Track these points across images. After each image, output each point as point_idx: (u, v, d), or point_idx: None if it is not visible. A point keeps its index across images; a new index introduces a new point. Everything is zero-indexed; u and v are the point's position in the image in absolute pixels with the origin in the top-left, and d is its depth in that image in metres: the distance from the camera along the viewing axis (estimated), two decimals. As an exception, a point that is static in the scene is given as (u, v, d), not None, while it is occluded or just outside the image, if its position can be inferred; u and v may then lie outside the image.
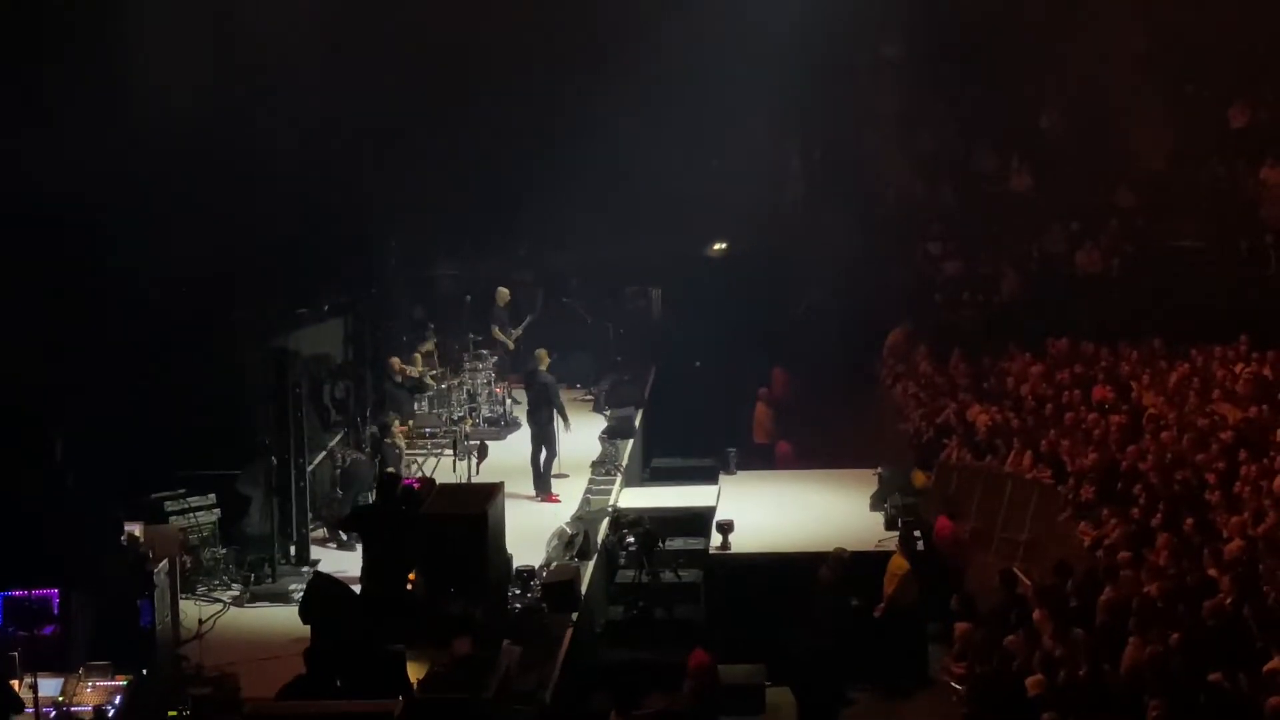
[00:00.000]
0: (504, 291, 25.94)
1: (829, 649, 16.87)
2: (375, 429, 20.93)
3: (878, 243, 29.62)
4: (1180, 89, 29.69)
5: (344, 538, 18.97)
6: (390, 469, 19.35)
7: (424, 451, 21.52)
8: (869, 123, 31.28)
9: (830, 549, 18.62)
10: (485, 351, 24.25)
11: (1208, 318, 25.38)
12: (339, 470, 20.20)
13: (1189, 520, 17.04)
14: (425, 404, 23.48)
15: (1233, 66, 29.43)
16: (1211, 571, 15.62)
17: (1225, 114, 29.39)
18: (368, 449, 20.65)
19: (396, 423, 21.02)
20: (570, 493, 20.97)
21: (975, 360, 25.92)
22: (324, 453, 20.09)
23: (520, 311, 25.99)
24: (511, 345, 25.27)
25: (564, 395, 23.10)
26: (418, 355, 24.05)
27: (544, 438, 21.21)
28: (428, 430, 21.68)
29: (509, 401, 24.16)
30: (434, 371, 24.00)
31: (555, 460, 21.28)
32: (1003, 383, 24.64)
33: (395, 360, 22.98)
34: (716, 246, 29.97)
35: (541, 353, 21.96)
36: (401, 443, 21.09)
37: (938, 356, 26.53)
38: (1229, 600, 14.84)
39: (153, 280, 18.23)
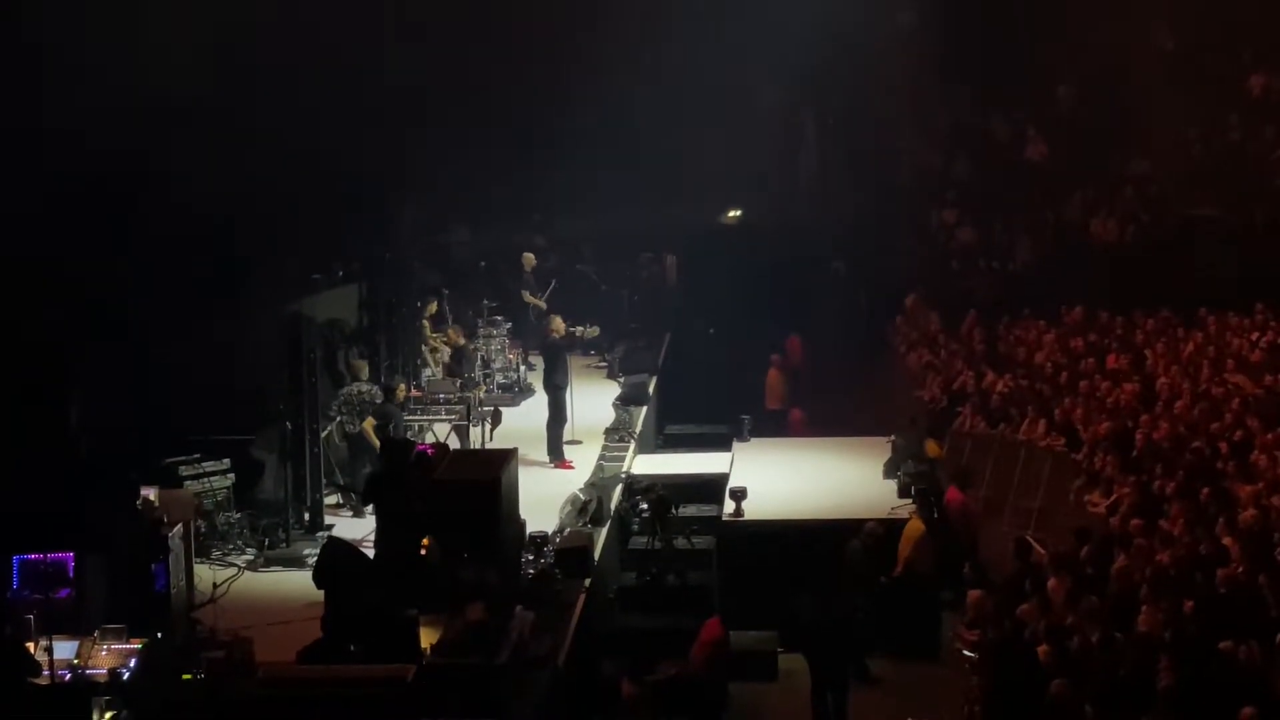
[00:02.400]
0: (529, 257, 25.98)
1: (850, 621, 16.85)
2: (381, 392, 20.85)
3: (892, 210, 29.57)
4: (1198, 56, 29.55)
5: (366, 511, 18.92)
6: (402, 432, 19.35)
7: (435, 417, 21.50)
8: (884, 90, 31.16)
9: (842, 516, 18.65)
10: (499, 318, 24.22)
11: (1223, 287, 25.34)
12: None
13: (1204, 489, 17.02)
14: (439, 370, 23.47)
15: (1252, 34, 29.28)
16: (1225, 540, 15.62)
17: (1243, 82, 29.26)
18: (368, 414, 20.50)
19: (401, 385, 20.97)
20: (584, 459, 20.97)
21: (989, 328, 25.89)
22: (338, 418, 20.08)
23: (546, 277, 25.99)
24: (544, 305, 25.22)
25: (578, 362, 23.03)
26: (426, 321, 23.99)
27: (554, 404, 21.24)
28: (441, 396, 21.62)
29: (523, 368, 24.15)
30: (459, 340, 23.93)
31: (565, 427, 21.30)
32: (1017, 351, 24.60)
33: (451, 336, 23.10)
34: (730, 214, 29.92)
35: (556, 319, 21.98)
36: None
37: (951, 324, 26.49)
38: (1242, 569, 14.84)
39: (167, 245, 18.22)
